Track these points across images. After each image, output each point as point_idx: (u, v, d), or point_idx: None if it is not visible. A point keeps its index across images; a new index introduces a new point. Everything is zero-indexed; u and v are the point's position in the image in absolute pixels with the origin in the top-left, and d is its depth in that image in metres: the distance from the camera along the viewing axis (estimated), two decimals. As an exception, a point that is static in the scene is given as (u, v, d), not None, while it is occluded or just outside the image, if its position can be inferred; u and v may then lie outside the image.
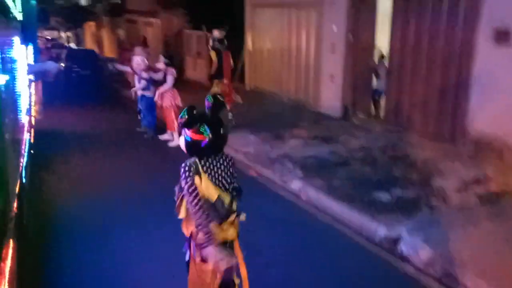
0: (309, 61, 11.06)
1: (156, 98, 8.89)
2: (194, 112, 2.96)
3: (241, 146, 8.24)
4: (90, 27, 40.11)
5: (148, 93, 9.32)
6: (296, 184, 6.27)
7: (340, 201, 5.57)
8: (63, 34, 41.45)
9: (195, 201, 2.84)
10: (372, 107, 9.20)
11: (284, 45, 12.07)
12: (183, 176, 2.87)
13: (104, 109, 13.23)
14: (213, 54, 9.35)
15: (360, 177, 6.40)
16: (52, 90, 15.79)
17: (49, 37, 40.64)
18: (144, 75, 9.16)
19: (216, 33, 10.14)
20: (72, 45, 36.39)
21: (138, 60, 9.17)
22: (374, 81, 8.87)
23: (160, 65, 8.67)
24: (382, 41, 9.38)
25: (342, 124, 9.41)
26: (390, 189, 5.87)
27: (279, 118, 10.30)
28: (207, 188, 2.90)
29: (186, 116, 2.93)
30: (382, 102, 9.51)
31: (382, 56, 8.69)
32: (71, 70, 18.17)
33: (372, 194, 5.75)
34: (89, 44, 40.45)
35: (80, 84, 17.65)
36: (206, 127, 2.89)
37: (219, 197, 2.94)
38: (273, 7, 12.34)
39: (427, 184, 6.02)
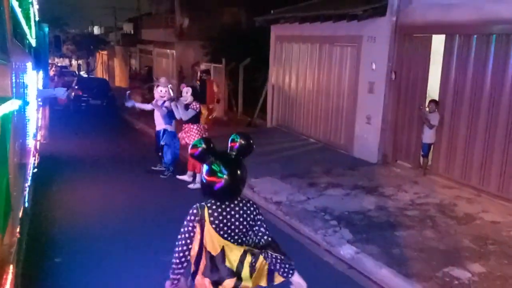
0: (342, 100, 10.15)
1: (180, 135, 7.94)
2: (211, 145, 2.64)
3: (271, 193, 7.24)
4: (101, 55, 39.85)
5: (170, 128, 8.39)
6: (346, 251, 5.20)
7: (410, 280, 4.48)
8: (74, 62, 41.14)
9: (178, 248, 2.64)
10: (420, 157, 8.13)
11: (312, 82, 11.20)
12: (185, 218, 2.65)
13: (114, 142, 12.34)
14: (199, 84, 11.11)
15: (423, 244, 5.32)
16: (61, 119, 15.05)
17: (60, 65, 40.43)
18: (168, 106, 8.27)
19: (202, 66, 13.57)
20: (83, 73, 35.97)
21: (163, 91, 8.28)
22: (427, 133, 7.78)
23: (187, 97, 7.74)
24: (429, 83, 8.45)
25: (382, 172, 8.38)
26: (466, 264, 4.80)
27: (308, 161, 9.31)
28: (211, 239, 2.58)
29: (201, 147, 2.60)
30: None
31: (436, 103, 7.65)
32: (80, 99, 17.41)
33: (446, 270, 4.67)
34: (100, 72, 40.11)
35: (90, 114, 16.87)
36: (221, 166, 2.54)
37: (221, 251, 2.57)
38: (302, 42, 11.53)
39: (510, 258, 4.95)
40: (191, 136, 7.72)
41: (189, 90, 7.78)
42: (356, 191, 7.29)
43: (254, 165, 8.99)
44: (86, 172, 8.91)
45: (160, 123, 8.46)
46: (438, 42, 7.90)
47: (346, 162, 9.24)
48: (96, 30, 48.50)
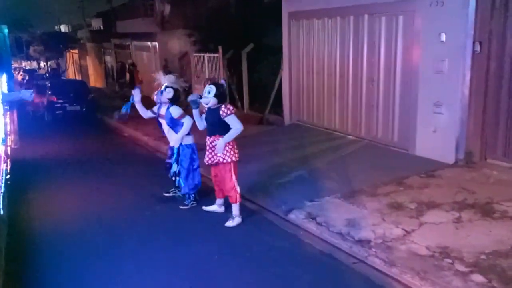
0: (393, 86, 8.02)
1: (207, 159, 5.66)
2: None
3: (345, 226, 5.11)
4: (72, 55, 36.93)
5: (187, 140, 6.16)
6: None
7: None
8: (42, 64, 38.07)
9: None
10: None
11: (345, 66, 9.04)
12: None
13: (101, 155, 9.94)
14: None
15: None
16: (35, 130, 12.69)
17: (28, 68, 37.43)
18: (179, 116, 6.05)
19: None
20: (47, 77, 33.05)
21: (171, 92, 6.05)
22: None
23: (208, 99, 5.48)
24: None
25: (475, 177, 6.30)
26: None
27: (363, 167, 7.19)
28: None
29: None
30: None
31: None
32: (55, 107, 14.89)
33: None
34: (72, 73, 37.19)
35: (68, 123, 14.42)
36: None
37: None
38: (327, 17, 9.34)
39: None
40: (222, 154, 5.49)
41: (213, 89, 5.50)
42: (466, 212, 5.18)
43: (298, 180, 6.86)
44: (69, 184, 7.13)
45: (173, 137, 6.23)
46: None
47: (413, 165, 7.14)
48: (64, 28, 45.32)
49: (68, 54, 36.04)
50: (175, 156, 6.20)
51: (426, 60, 7.24)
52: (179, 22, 17.95)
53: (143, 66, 21.33)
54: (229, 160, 5.50)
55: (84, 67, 34.50)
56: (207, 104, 5.55)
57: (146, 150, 10.36)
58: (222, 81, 5.79)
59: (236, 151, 5.60)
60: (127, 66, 15.66)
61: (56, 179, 8.14)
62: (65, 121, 14.71)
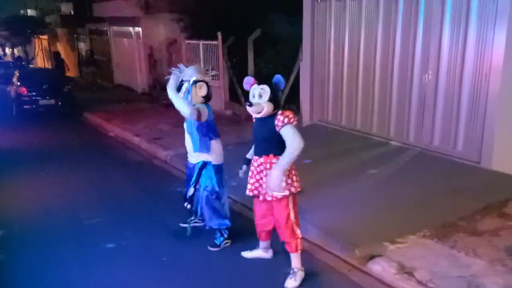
0: (459, 79, 6.46)
1: (251, 188, 3.93)
2: None
3: (466, 289, 3.49)
4: (41, 41, 34.16)
5: (212, 157, 4.43)
6: None
7: None
8: (8, 51, 35.22)
9: None
10: None
11: (389, 56, 7.45)
12: None
13: (87, 169, 7.98)
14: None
15: None
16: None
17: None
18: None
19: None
20: (23, 64, 30.42)
21: (204, 87, 4.30)
22: None
23: (265, 107, 3.73)
24: None
25: None
26: None
27: (432, 186, 5.62)
28: None
29: None
30: None
31: None
32: (24, 100, 12.79)
33: None
34: (41, 61, 34.52)
35: (40, 119, 12.39)
36: None
37: None
38: (366, -4, 7.70)
39: None
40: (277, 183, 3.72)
41: (266, 91, 3.70)
42: None
43: (355, 205, 5.19)
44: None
45: (193, 150, 4.49)
46: None
47: (499, 184, 5.63)
48: (31, 13, 42.29)
49: (36, 40, 33.29)
50: (194, 176, 4.46)
51: (508, 51, 5.68)
52: (166, 5, 15.99)
53: (124, 54, 19.28)
54: (286, 193, 3.79)
55: (55, 55, 31.88)
56: (258, 114, 3.78)
57: (140, 156, 8.55)
58: (279, 77, 3.93)
59: (295, 178, 3.89)
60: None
61: (22, 198, 6.29)
62: (37, 117, 12.67)
